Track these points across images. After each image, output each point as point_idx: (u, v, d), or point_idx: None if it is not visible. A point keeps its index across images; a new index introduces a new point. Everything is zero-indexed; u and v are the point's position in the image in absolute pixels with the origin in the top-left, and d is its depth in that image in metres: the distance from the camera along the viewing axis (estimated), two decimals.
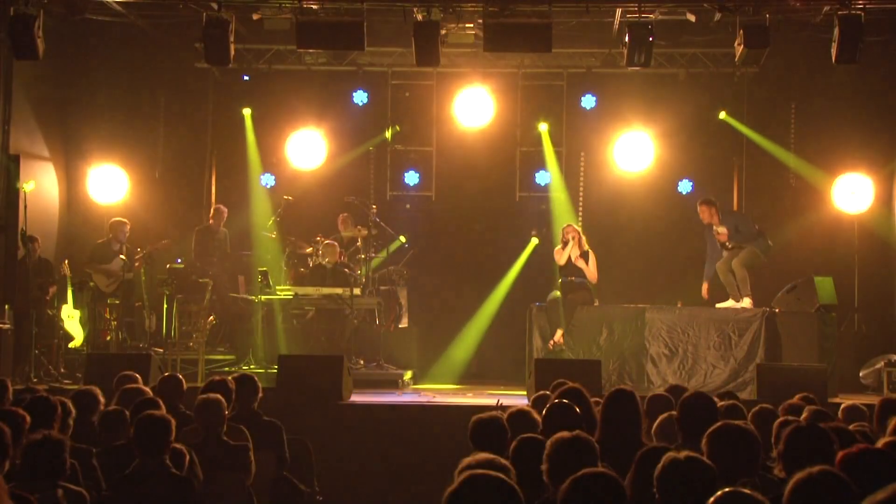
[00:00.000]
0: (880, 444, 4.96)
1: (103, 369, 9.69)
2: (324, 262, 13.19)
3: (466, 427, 5.76)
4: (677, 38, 13.70)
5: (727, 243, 12.72)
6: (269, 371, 11.70)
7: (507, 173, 14.84)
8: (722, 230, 12.68)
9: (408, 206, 15.03)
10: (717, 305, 12.70)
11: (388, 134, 14.84)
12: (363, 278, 13.32)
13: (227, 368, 12.28)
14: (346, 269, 13.23)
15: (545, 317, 12.65)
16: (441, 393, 12.12)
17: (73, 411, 6.57)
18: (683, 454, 4.05)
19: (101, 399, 7.21)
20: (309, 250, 13.56)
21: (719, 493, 3.47)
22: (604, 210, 14.65)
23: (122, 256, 13.08)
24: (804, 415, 6.49)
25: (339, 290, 12.78)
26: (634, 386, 10.14)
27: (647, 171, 14.48)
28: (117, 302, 13.01)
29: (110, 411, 6.93)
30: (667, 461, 3.99)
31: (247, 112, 14.71)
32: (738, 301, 12.62)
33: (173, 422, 5.99)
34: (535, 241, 14.48)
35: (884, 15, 12.33)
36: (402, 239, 14.31)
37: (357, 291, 12.89)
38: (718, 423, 4.71)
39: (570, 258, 12.73)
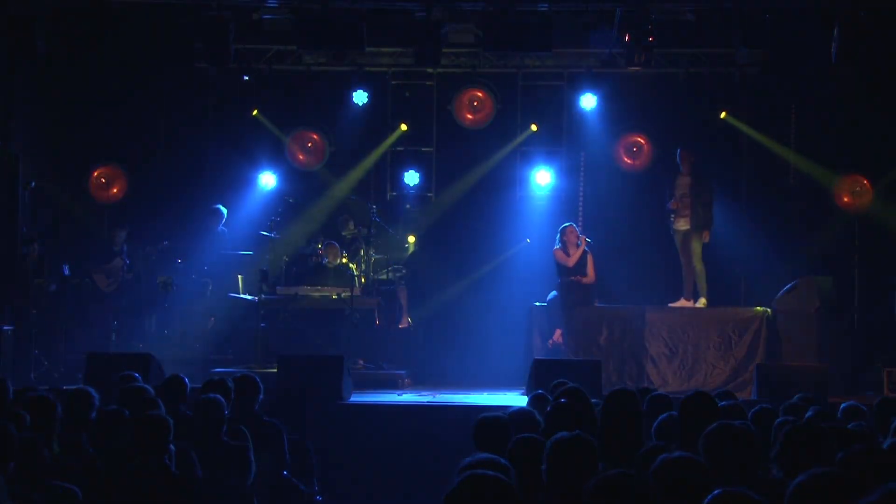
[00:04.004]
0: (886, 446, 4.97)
1: (103, 369, 9.69)
2: (324, 263, 13.20)
3: (466, 427, 5.76)
4: (677, 38, 13.69)
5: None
6: (269, 371, 11.69)
7: (507, 173, 14.84)
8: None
9: (408, 206, 15.02)
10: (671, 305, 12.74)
11: (396, 132, 14.84)
12: (363, 278, 13.32)
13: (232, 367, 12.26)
14: (347, 269, 13.23)
15: (545, 317, 12.65)
16: (441, 393, 12.12)
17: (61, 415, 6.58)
18: (676, 454, 4.05)
19: (96, 397, 7.19)
20: (309, 250, 13.57)
21: (715, 492, 3.47)
22: (604, 210, 14.65)
23: (121, 256, 13.09)
24: (804, 415, 6.49)
25: (339, 291, 12.78)
26: (634, 386, 10.14)
27: (647, 171, 14.47)
28: (117, 302, 13.02)
29: (110, 411, 6.92)
30: (660, 461, 3.99)
31: (256, 112, 14.72)
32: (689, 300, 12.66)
33: (172, 422, 6.00)
34: (527, 241, 14.52)
35: (884, 15, 12.33)
36: (412, 240, 14.30)
37: (357, 291, 12.90)
38: (715, 424, 4.70)
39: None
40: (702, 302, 12.54)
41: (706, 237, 12.60)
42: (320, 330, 12.95)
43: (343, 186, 14.50)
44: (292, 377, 10.48)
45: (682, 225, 12.67)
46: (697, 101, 14.45)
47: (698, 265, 12.61)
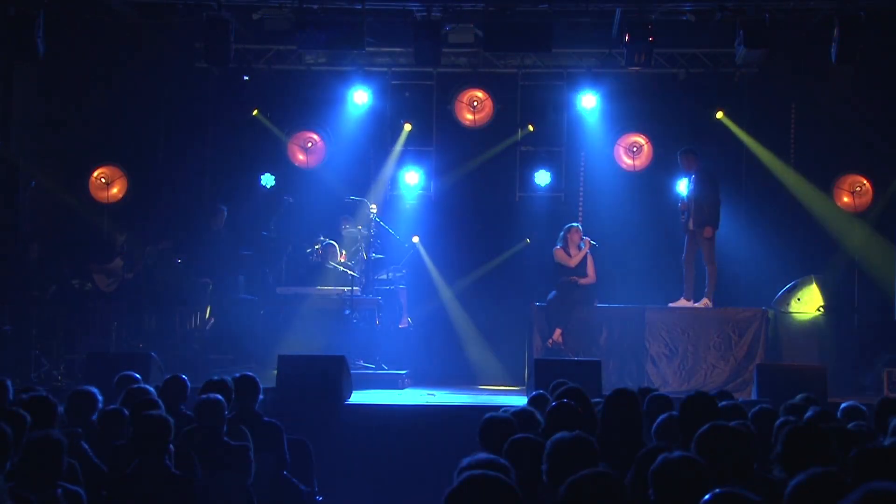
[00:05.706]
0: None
1: (103, 369, 9.68)
2: (324, 263, 13.20)
3: (466, 427, 5.75)
4: (677, 38, 13.69)
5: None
6: (269, 371, 11.70)
7: (507, 173, 14.85)
8: None
9: (408, 205, 15.01)
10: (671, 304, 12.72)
11: (404, 133, 14.83)
12: (363, 278, 13.32)
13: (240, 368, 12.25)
14: (347, 269, 13.23)
15: (545, 317, 12.65)
16: (441, 393, 12.12)
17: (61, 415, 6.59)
18: (676, 454, 4.05)
19: (99, 398, 7.19)
20: (309, 250, 13.58)
21: (713, 492, 3.47)
22: (604, 210, 14.65)
23: (121, 256, 13.09)
24: (805, 415, 6.49)
25: (338, 291, 12.78)
26: (634, 386, 10.14)
27: (646, 172, 14.47)
28: (117, 302, 13.02)
29: (110, 411, 6.93)
30: (660, 461, 3.99)
31: (256, 112, 14.71)
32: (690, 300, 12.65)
33: (172, 422, 6.00)
34: (526, 241, 14.52)
35: (884, 15, 12.33)
36: (416, 240, 14.28)
37: (357, 291, 12.90)
38: (707, 426, 4.69)
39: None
40: (704, 302, 12.54)
41: (707, 233, 12.57)
42: (320, 330, 12.95)
43: (343, 186, 14.48)
44: (292, 377, 10.48)
45: (691, 225, 12.69)
46: (697, 101, 14.45)
47: (708, 265, 12.60)
